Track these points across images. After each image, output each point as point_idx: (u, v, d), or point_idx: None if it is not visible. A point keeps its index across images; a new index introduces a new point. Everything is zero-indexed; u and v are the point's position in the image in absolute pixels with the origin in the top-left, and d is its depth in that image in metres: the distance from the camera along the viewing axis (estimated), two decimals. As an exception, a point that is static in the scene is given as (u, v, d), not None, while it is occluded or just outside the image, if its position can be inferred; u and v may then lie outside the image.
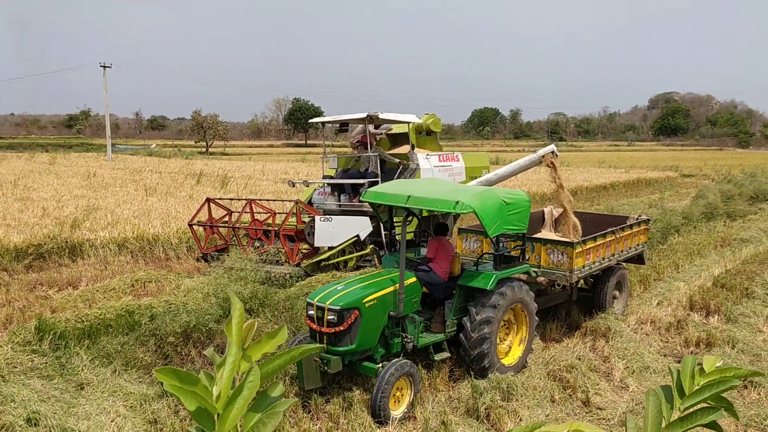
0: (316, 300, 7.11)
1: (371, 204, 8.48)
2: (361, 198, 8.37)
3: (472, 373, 7.81)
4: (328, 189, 12.83)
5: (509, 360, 8.28)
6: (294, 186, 13.98)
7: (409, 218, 8.83)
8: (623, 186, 31.11)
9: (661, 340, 9.76)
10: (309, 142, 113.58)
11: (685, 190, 28.89)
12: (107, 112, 51.71)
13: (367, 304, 7.09)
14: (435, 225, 8.90)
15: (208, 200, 12.41)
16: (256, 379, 1.24)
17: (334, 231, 10.99)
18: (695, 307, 11.18)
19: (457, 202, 7.36)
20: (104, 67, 48.42)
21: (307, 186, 13.55)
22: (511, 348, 8.42)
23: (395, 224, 11.04)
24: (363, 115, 11.92)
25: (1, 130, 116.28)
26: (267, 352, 1.30)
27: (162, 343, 7.63)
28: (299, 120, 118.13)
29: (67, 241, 12.82)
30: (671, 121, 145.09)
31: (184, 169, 31.36)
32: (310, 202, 13.31)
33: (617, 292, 10.88)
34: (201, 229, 12.49)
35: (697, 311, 11.04)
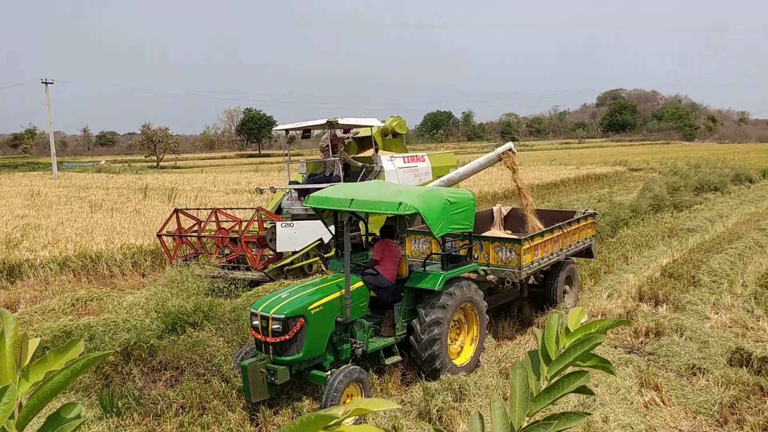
0: (260, 309, 6.93)
1: (315, 209, 8.34)
2: (304, 203, 8.23)
3: (423, 375, 7.72)
4: (296, 194, 12.84)
5: (461, 360, 8.21)
6: (261, 193, 14.27)
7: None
8: (573, 182, 31.54)
9: (612, 332, 9.81)
10: (263, 152, 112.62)
11: (633, 184, 29.41)
12: (51, 130, 50.33)
13: (312, 311, 6.94)
14: (381, 227, 8.80)
15: (176, 211, 12.51)
16: (11, 401, 1.07)
17: (297, 236, 11.14)
18: (644, 297, 11.31)
19: (400, 204, 7.27)
20: (46, 83, 47.11)
21: (274, 192, 13.75)
22: (462, 348, 8.35)
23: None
24: (323, 121, 12.07)
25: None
26: (55, 370, 1.15)
27: (101, 363, 7.34)
28: (251, 130, 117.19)
29: (4, 263, 12.35)
30: (619, 117, 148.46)
31: (132, 185, 30.68)
32: (279, 208, 13.39)
33: (567, 287, 10.94)
34: (170, 239, 12.62)
35: (647, 301, 11.16)
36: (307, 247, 11.43)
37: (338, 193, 7.96)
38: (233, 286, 9.75)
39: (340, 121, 12.28)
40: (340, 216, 8.60)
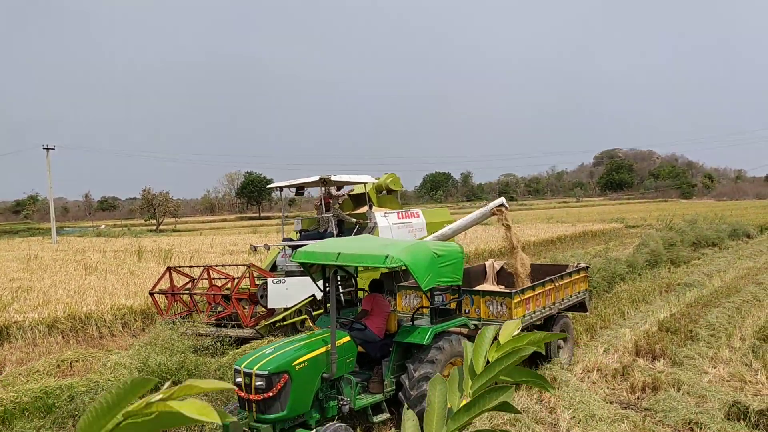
0: (243, 366, 6.79)
1: (302, 265, 8.28)
2: (291, 258, 8.18)
3: (413, 433, 7.51)
4: (289, 251, 12.82)
5: (452, 417, 8.00)
6: (255, 250, 14.24)
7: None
8: (570, 239, 31.52)
9: (608, 387, 9.61)
10: (263, 214, 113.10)
11: (630, 240, 29.36)
12: (50, 195, 50.64)
13: (297, 367, 6.80)
14: (370, 281, 8.72)
15: (169, 269, 12.51)
16: None
17: (288, 292, 11.07)
18: (641, 352, 11.12)
19: (386, 257, 7.22)
20: (47, 149, 47.68)
21: (268, 249, 13.77)
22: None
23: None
24: (316, 178, 12.14)
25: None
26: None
27: (74, 423, 7.14)
28: (252, 193, 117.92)
29: (-8, 324, 12.19)
30: (616, 176, 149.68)
31: (129, 247, 30.63)
32: (274, 266, 13.33)
33: (562, 342, 10.76)
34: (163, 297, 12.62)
35: (643, 356, 10.98)
36: (299, 303, 11.32)
37: (325, 247, 7.91)
38: (219, 344, 9.61)
39: (333, 178, 12.34)
40: (328, 271, 8.54)
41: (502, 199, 11.30)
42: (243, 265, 12.44)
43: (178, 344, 8.33)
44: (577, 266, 11.44)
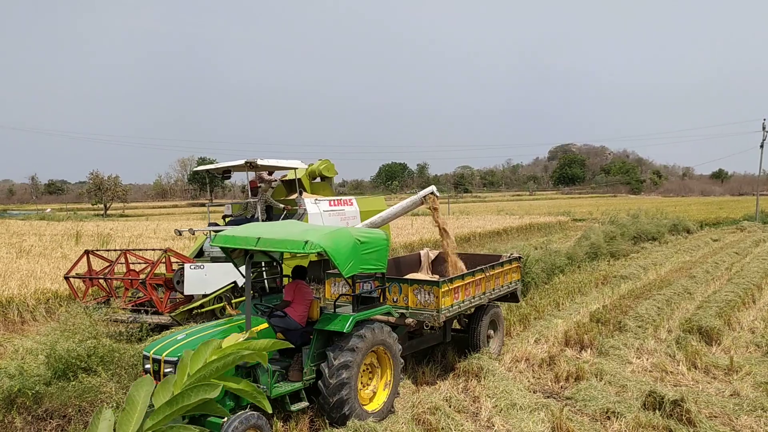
0: (152, 352, 6.59)
1: (223, 249, 8.06)
2: (211, 242, 7.97)
3: (332, 422, 7.41)
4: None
5: (374, 406, 7.91)
6: (180, 234, 13.75)
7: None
8: (516, 231, 31.81)
9: (534, 377, 9.67)
10: (216, 201, 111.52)
11: (574, 233, 29.77)
12: (-9, 175, 48.92)
13: (209, 354, 6.61)
14: (293, 268, 8.55)
15: (86, 252, 12.02)
16: None
17: (207, 278, 10.69)
18: (570, 342, 11.23)
19: (306, 242, 7.06)
20: (-13, 128, 46.07)
21: (193, 234, 13.40)
22: (375, 393, 8.07)
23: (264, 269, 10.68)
24: (242, 161, 11.81)
25: None
26: None
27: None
28: (204, 179, 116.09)
29: None
30: (569, 170, 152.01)
31: (69, 231, 29.74)
32: (201, 252, 12.95)
33: (492, 331, 10.79)
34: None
35: (572, 346, 11.10)
36: (218, 290, 10.99)
37: (246, 231, 7.71)
38: (137, 330, 9.31)
39: (259, 162, 12.06)
40: (251, 256, 8.35)
41: (432, 188, 11.24)
42: (161, 249, 12.05)
43: (90, 329, 8.03)
44: (509, 257, 11.46)
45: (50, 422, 6.92)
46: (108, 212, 77.11)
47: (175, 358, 6.38)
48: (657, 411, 7.69)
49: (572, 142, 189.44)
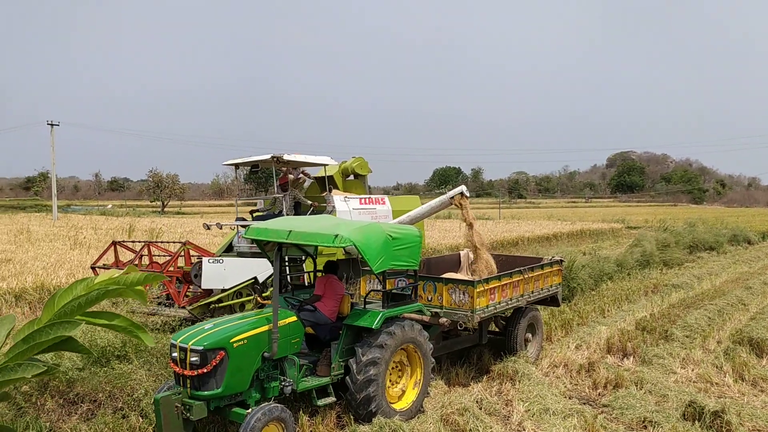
0: (179, 341, 6.61)
1: (256, 242, 8.09)
2: (243, 235, 7.99)
3: (358, 418, 7.34)
4: (243, 231, 12.49)
5: (402, 404, 7.80)
6: (209, 228, 13.77)
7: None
8: (566, 237, 31.20)
9: (571, 383, 9.40)
10: (256, 198, 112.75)
11: (627, 240, 28.99)
12: (53, 171, 50.78)
13: (235, 344, 6.61)
14: (325, 263, 8.50)
15: (114, 243, 12.08)
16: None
17: (226, 273, 10.54)
18: (612, 349, 10.90)
19: (336, 236, 7.01)
20: (52, 125, 47.75)
21: (221, 228, 13.38)
22: (404, 392, 7.96)
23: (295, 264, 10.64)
24: (268, 156, 11.72)
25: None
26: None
27: (15, 393, 7.01)
28: (260, 179, 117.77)
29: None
30: (627, 178, 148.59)
31: (125, 226, 30.57)
32: (230, 247, 12.93)
33: (530, 335, 10.54)
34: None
35: (614, 354, 10.76)
36: (237, 285, 10.84)
37: (278, 224, 7.72)
38: (170, 322, 9.38)
39: (286, 157, 11.87)
40: (284, 250, 8.35)
41: (462, 188, 10.99)
42: (180, 242, 12.04)
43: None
44: (550, 260, 11.18)
45: (81, 406, 7.04)
46: (165, 209, 79.02)
47: (201, 347, 6.40)
48: (696, 422, 7.36)
49: (632, 149, 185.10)
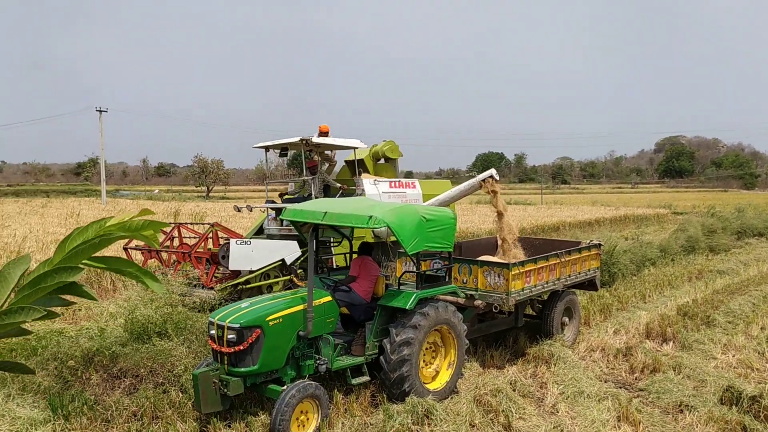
0: (216, 318, 6.80)
1: (293, 223, 8.23)
2: (281, 216, 8.13)
3: (392, 398, 7.44)
4: (273, 214, 12.61)
5: (435, 385, 7.88)
6: (239, 211, 13.94)
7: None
8: (609, 222, 30.72)
9: (607, 367, 9.35)
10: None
11: (672, 226, 28.40)
12: (102, 156, 52.07)
13: (271, 323, 6.77)
14: (360, 244, 8.59)
15: None
16: None
17: (254, 254, 10.62)
18: (651, 334, 10.78)
19: (370, 217, 7.09)
20: (100, 111, 48.91)
21: (251, 210, 13.52)
22: (438, 373, 8.03)
23: (330, 245, 10.72)
24: (297, 139, 11.74)
25: (11, 178, 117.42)
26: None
27: (62, 367, 7.31)
28: (302, 165, 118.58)
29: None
30: (676, 163, 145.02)
31: (170, 210, 31.23)
32: (261, 229, 13.04)
33: (566, 319, 10.48)
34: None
35: (653, 339, 10.64)
36: (265, 267, 10.87)
37: (314, 206, 7.84)
38: (215, 300, 9.55)
39: (314, 140, 11.89)
40: (321, 231, 8.48)
41: (492, 171, 10.93)
42: (209, 224, 12.15)
43: (166, 298, 8.38)
44: (589, 243, 11.08)
45: (123, 380, 7.30)
46: (210, 194, 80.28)
47: (238, 325, 6.57)
48: (734, 406, 7.26)
49: (682, 133, 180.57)
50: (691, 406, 7.47)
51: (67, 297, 5.91)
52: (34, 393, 6.95)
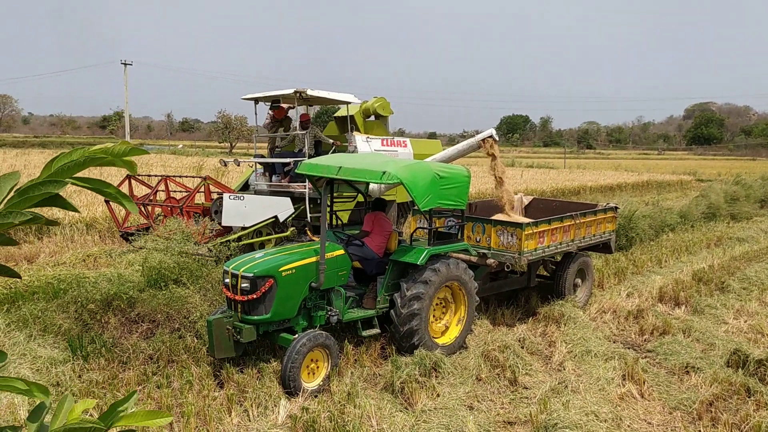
0: (231, 267, 6.96)
1: (308, 177, 8.31)
2: (296, 170, 8.20)
3: (401, 350, 7.60)
4: (261, 170, 12.41)
5: (444, 339, 8.02)
6: (225, 165, 13.69)
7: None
8: (630, 187, 30.46)
9: (617, 328, 9.42)
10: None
11: (694, 193, 28.14)
12: (127, 110, 52.41)
13: (283, 273, 6.91)
14: (373, 200, 8.67)
15: (128, 177, 11.81)
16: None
17: (247, 210, 10.48)
18: (664, 298, 10.81)
19: (384, 173, 7.14)
20: (125, 64, 49.10)
21: (238, 165, 13.34)
22: (448, 328, 8.16)
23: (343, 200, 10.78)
24: (290, 91, 11.40)
25: (38, 130, 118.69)
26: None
27: (82, 310, 7.55)
28: (325, 123, 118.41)
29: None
30: (704, 130, 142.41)
31: (193, 164, 31.52)
32: (246, 185, 12.84)
33: (579, 281, 10.53)
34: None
35: (665, 302, 10.67)
36: (258, 224, 10.70)
37: (329, 161, 7.91)
38: (230, 249, 9.65)
39: (309, 92, 11.46)
40: (336, 185, 8.57)
41: (491, 131, 10.79)
42: (200, 177, 11.69)
43: (178, 247, 8.55)
44: (605, 206, 11.06)
45: (141, 325, 7.53)
46: (233, 150, 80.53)
47: (251, 274, 6.72)
48: (740, 369, 7.31)
49: (712, 100, 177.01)
50: (697, 368, 7.54)
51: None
52: (54, 334, 7.21)
